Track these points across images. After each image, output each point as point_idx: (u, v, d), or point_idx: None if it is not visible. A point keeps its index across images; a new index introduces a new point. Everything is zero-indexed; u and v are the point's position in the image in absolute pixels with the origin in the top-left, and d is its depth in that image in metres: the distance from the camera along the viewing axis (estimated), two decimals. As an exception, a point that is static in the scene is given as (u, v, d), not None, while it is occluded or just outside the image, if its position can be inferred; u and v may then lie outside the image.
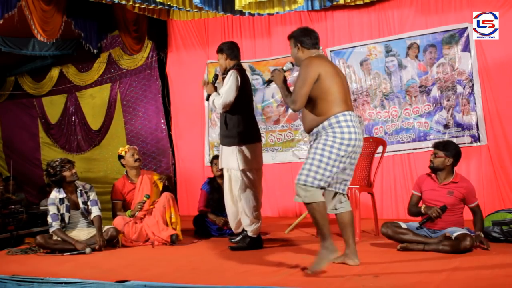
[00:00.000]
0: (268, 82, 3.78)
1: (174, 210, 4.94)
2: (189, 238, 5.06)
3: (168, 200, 4.93)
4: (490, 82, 5.49)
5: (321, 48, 6.32)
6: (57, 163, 4.70)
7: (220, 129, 4.50)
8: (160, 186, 5.26)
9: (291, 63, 3.74)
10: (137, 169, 5.20)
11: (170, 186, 5.36)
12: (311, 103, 3.35)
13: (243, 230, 4.64)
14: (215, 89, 4.39)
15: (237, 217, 4.55)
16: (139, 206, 4.95)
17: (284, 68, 3.69)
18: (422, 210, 4.01)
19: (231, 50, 4.42)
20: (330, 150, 3.26)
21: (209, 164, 6.28)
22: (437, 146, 4.09)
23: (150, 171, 5.56)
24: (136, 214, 4.94)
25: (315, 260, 3.28)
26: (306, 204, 3.33)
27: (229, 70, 4.36)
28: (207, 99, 4.36)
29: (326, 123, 3.30)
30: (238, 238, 4.46)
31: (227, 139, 4.34)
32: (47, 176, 4.81)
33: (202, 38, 7.09)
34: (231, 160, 4.30)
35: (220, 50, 4.45)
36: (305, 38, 3.53)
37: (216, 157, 5.36)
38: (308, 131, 3.46)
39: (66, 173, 4.70)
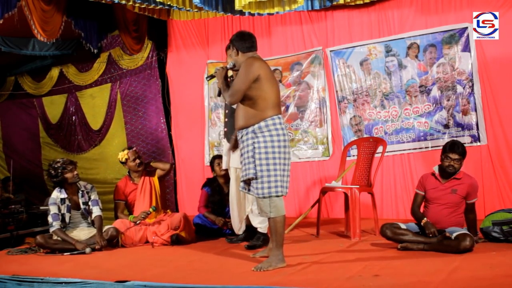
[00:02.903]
0: (210, 77, 4.01)
1: (185, 232, 4.87)
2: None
3: (179, 220, 4.86)
4: (490, 82, 5.48)
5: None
6: (58, 165, 4.69)
7: (230, 129, 4.45)
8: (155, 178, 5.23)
9: (233, 63, 3.89)
10: (139, 171, 5.18)
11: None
12: (251, 101, 3.56)
13: (245, 231, 4.65)
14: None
15: (242, 218, 4.57)
16: (142, 216, 4.92)
17: (228, 66, 3.88)
18: (422, 223, 3.99)
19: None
20: (274, 156, 3.50)
21: (208, 164, 6.28)
22: (457, 150, 3.98)
23: (152, 173, 5.52)
24: (138, 222, 4.92)
25: (264, 262, 3.50)
26: (274, 218, 3.53)
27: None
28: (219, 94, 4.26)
29: (263, 123, 3.52)
30: (254, 238, 4.45)
31: None
32: (49, 177, 4.81)
33: (202, 38, 7.08)
34: None
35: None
36: (240, 43, 3.76)
37: (217, 157, 5.35)
38: (244, 127, 3.61)
39: (68, 175, 4.70)
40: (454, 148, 4.00)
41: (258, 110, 3.54)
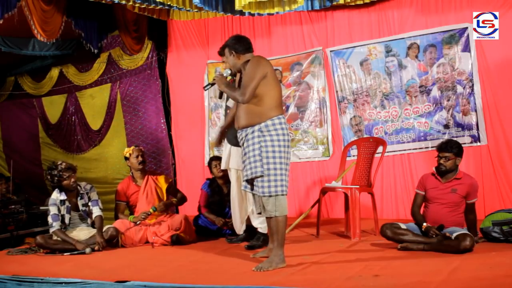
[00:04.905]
0: (211, 84, 3.89)
1: (186, 233, 4.86)
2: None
3: (180, 222, 4.87)
4: (490, 82, 5.48)
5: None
6: (55, 172, 4.64)
7: (231, 129, 4.44)
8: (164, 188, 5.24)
9: (230, 69, 3.86)
10: (141, 171, 5.17)
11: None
12: (257, 99, 3.56)
13: (245, 231, 4.65)
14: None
15: (243, 218, 4.56)
16: (143, 216, 4.91)
17: (224, 73, 3.83)
18: (424, 229, 3.99)
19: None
20: (280, 155, 3.51)
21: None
22: (445, 148, 4.03)
23: (156, 173, 5.52)
24: (138, 223, 4.92)
25: (264, 262, 3.50)
26: (277, 217, 3.54)
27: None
28: (220, 96, 4.12)
29: (269, 122, 3.53)
30: (254, 239, 4.46)
31: None
32: (48, 180, 4.81)
33: (202, 38, 7.08)
34: None
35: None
36: (237, 45, 3.75)
37: (214, 159, 5.33)
38: (247, 125, 3.59)
39: (65, 182, 4.68)
40: (442, 146, 4.07)
41: (264, 108, 3.54)
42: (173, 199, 5.19)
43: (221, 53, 4.05)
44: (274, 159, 3.49)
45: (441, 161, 4.04)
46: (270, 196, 3.49)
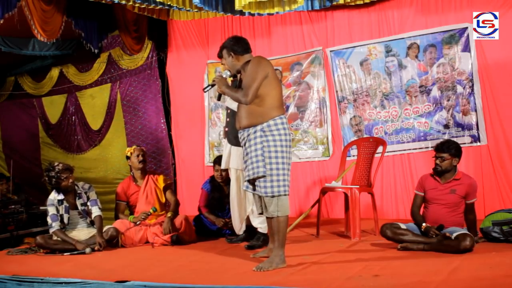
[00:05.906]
0: (211, 86, 3.85)
1: (186, 233, 4.86)
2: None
3: (180, 222, 4.89)
4: (490, 82, 5.48)
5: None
6: (53, 173, 4.64)
7: (231, 129, 4.42)
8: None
9: (229, 70, 3.84)
10: (142, 171, 5.17)
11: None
12: (258, 99, 3.55)
13: (245, 231, 4.65)
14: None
15: (243, 218, 4.56)
16: (142, 216, 4.91)
17: (224, 75, 3.81)
18: (423, 229, 3.99)
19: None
20: (282, 155, 3.51)
21: (210, 164, 6.29)
22: (441, 148, 4.03)
23: (156, 173, 5.51)
24: (138, 223, 4.92)
25: (265, 262, 3.50)
26: (279, 217, 3.54)
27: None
28: (219, 98, 4.08)
29: (272, 122, 3.52)
30: (254, 239, 4.46)
31: None
32: (46, 182, 4.82)
33: (202, 38, 7.08)
34: None
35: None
36: (236, 46, 3.74)
37: (216, 162, 5.28)
38: (249, 125, 3.58)
39: (64, 184, 4.68)
40: (439, 146, 4.08)
41: (266, 108, 3.53)
42: (169, 214, 4.99)
43: (220, 55, 4.06)
44: (277, 159, 3.48)
45: (437, 161, 4.04)
46: (273, 196, 3.48)
